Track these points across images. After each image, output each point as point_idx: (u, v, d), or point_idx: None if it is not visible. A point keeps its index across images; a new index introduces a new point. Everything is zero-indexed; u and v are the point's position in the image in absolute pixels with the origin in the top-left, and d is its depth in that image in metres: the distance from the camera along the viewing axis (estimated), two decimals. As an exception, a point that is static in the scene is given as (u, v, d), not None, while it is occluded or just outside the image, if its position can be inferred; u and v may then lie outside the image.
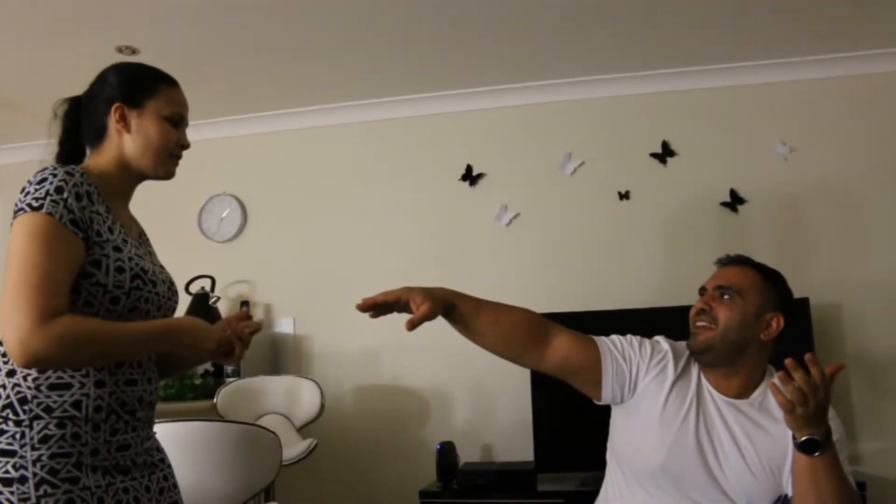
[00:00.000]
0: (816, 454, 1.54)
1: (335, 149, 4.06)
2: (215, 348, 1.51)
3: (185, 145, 1.62)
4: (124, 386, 1.45)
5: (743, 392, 1.77)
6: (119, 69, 1.62)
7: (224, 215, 4.11)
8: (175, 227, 3.99)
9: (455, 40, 3.30)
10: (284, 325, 3.99)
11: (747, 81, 3.61)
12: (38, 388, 1.36)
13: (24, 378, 1.37)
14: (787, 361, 1.47)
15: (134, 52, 3.24)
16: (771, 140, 3.57)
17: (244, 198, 4.11)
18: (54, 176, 1.41)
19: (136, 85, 1.58)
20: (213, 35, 3.19)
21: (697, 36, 3.32)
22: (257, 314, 4.01)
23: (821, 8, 3.05)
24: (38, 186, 1.40)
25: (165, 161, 1.58)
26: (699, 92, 3.67)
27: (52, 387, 1.37)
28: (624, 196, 3.68)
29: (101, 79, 1.62)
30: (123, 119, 1.55)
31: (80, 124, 1.61)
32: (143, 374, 1.51)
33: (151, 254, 1.66)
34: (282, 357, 3.95)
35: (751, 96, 3.62)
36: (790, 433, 1.59)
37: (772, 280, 1.82)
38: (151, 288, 1.49)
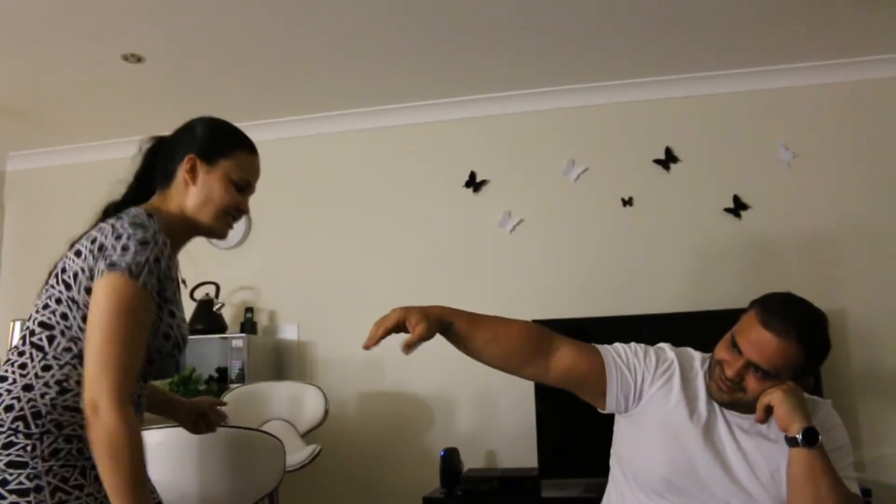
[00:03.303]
0: (818, 442, 1.56)
1: (339, 156, 4.07)
2: None
3: (244, 211, 1.67)
4: None
5: (753, 409, 1.75)
6: (207, 123, 1.65)
7: (228, 222, 4.10)
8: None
9: (458, 48, 3.32)
10: (288, 331, 4.00)
11: (750, 87, 3.61)
12: (53, 406, 1.41)
13: (42, 396, 1.41)
14: None
15: (140, 59, 3.26)
16: (774, 146, 3.57)
17: (248, 204, 4.11)
18: (155, 243, 1.44)
19: (215, 142, 1.61)
20: (217, 43, 3.21)
21: (699, 42, 3.32)
22: (261, 320, 4.01)
23: (823, 13, 3.06)
24: (140, 247, 1.42)
25: (221, 219, 1.62)
26: (702, 98, 3.67)
27: (66, 408, 1.42)
28: (627, 202, 3.68)
29: (188, 127, 1.65)
30: (193, 171, 1.58)
31: (156, 164, 1.64)
32: (141, 407, 1.56)
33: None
34: (286, 363, 3.96)
35: (753, 102, 3.62)
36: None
37: (813, 353, 1.70)
38: (179, 353, 1.56)
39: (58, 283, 1.46)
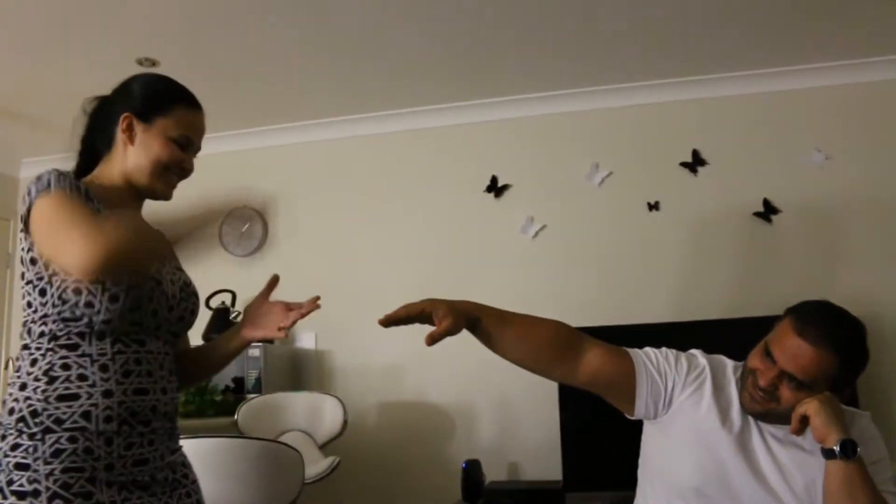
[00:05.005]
0: (857, 454, 1.52)
1: (357, 161, 4.05)
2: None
3: (187, 168, 1.58)
4: (133, 395, 1.43)
5: (788, 420, 1.69)
6: (143, 80, 1.60)
7: (244, 229, 4.09)
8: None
9: (480, 50, 3.29)
10: (306, 340, 3.96)
11: (781, 87, 3.55)
12: (47, 399, 1.36)
13: (35, 391, 1.38)
14: None
15: (154, 63, 3.25)
16: (806, 148, 3.50)
17: (265, 211, 4.09)
18: (50, 173, 1.41)
19: (152, 99, 1.55)
20: (233, 47, 3.20)
21: (727, 42, 3.27)
22: (279, 329, 3.99)
23: (856, 9, 2.99)
24: (37, 180, 1.40)
25: (160, 178, 1.54)
26: (730, 99, 3.61)
27: (60, 398, 1.37)
28: (653, 207, 3.62)
29: (125, 86, 1.60)
30: (129, 130, 1.53)
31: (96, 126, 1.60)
32: (155, 383, 1.48)
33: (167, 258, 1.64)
34: (303, 373, 3.92)
35: (785, 103, 3.56)
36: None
37: (851, 364, 1.64)
38: (155, 286, 1.48)
39: (22, 278, 1.45)
